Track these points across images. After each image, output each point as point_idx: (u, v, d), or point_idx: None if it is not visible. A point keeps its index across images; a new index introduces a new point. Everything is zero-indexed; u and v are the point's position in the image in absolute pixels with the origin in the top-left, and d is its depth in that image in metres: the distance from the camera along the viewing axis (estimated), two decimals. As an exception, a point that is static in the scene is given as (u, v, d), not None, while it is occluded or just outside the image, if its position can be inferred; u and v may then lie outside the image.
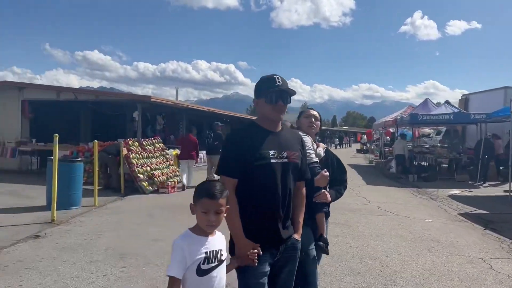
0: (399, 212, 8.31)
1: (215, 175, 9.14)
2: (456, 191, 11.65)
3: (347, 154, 33.08)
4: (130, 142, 10.29)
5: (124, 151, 9.90)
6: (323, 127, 67.98)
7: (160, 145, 11.81)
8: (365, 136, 45.99)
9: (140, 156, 10.35)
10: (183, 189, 10.65)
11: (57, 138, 6.89)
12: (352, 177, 15.23)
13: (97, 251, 5.05)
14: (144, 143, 11.00)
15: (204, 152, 12.41)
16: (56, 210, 6.83)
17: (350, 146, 50.28)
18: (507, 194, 10.19)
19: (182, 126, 16.34)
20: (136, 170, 9.76)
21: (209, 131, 11.72)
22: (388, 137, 27.81)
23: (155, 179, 10.22)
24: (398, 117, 17.15)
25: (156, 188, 10.03)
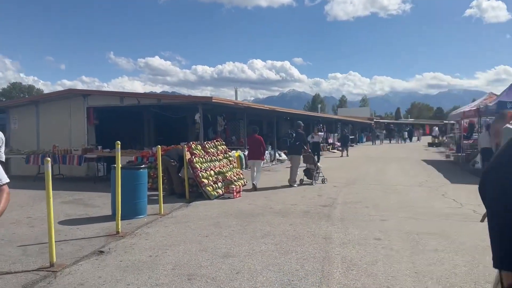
0: (501, 217, 7.05)
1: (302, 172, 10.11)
2: None
3: (417, 149, 30.89)
4: (193, 146, 9.90)
5: (188, 155, 9.51)
6: (386, 120, 64.90)
7: (223, 147, 11.35)
8: (437, 128, 42.95)
9: (204, 159, 9.92)
10: (255, 189, 10.35)
11: (119, 145, 6.56)
12: (432, 175, 13.81)
13: (164, 271, 4.54)
14: (207, 146, 10.57)
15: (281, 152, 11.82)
16: (121, 220, 6.51)
17: (419, 140, 47.21)
18: None
19: (243, 126, 15.86)
20: (200, 174, 9.33)
21: (290, 130, 11.58)
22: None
23: (219, 183, 9.74)
24: (482, 106, 15.32)
25: (221, 193, 9.53)
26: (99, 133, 14.30)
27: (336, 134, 31.74)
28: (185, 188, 9.40)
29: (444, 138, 38.27)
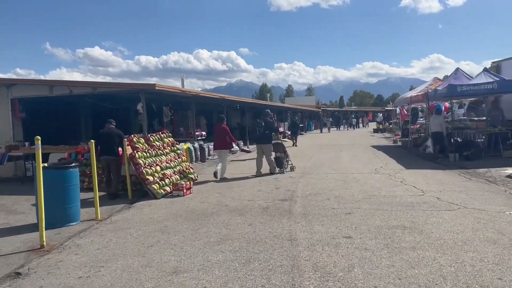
0: (466, 204, 6.75)
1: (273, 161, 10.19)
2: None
3: (364, 135, 31.40)
4: (135, 139, 8.79)
5: (128, 149, 8.42)
6: (332, 108, 66.22)
7: (169, 140, 10.32)
8: (380, 115, 44.18)
9: (148, 154, 8.86)
10: (216, 178, 10.29)
11: (39, 141, 5.43)
12: (385, 160, 13.65)
13: (96, 299, 3.59)
14: (151, 138, 9.49)
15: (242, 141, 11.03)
16: (47, 230, 5.43)
17: (366, 126, 48.36)
18: None
19: (192, 117, 14.82)
20: (144, 171, 8.28)
21: (259, 119, 11.47)
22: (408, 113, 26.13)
23: (167, 179, 8.75)
24: (430, 91, 15.42)
25: (169, 191, 8.55)
26: (29, 128, 12.64)
27: (286, 123, 31.25)
28: (126, 188, 8.33)
29: (387, 124, 39.43)
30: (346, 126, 44.00)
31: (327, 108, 53.79)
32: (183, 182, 8.69)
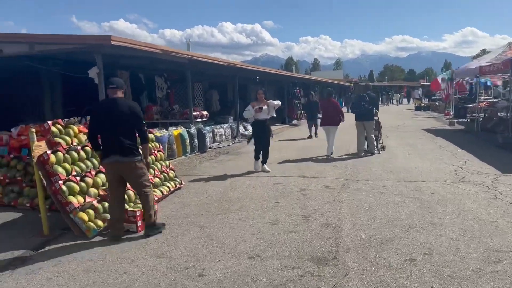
0: None
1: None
2: None
3: (405, 114, 26.91)
4: (53, 129, 5.03)
5: (39, 148, 4.71)
6: (363, 83, 61.02)
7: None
8: (419, 90, 39.19)
9: (78, 155, 5.14)
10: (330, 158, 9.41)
11: None
12: (458, 155, 9.54)
13: None
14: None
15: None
16: None
17: (401, 103, 43.45)
18: None
19: (189, 89, 10.97)
20: (62, 188, 4.58)
21: (363, 93, 10.32)
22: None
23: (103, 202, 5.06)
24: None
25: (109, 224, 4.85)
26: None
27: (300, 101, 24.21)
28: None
29: (427, 100, 34.62)
30: (386, 102, 39.32)
31: (359, 83, 48.88)
32: (135, 209, 4.89)
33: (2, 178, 5.87)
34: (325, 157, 9.76)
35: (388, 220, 4.92)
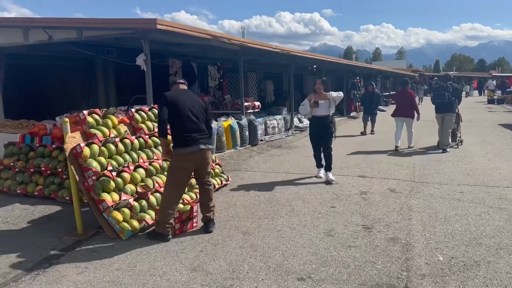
0: None
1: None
2: None
3: (477, 107, 24.62)
4: (89, 119, 4.69)
5: (71, 139, 4.36)
6: (429, 73, 57.51)
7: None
8: (493, 81, 35.89)
9: (113, 148, 4.75)
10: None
11: None
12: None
13: None
14: (137, 116, 5.39)
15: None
16: None
17: (470, 95, 40.20)
18: None
19: (241, 79, 10.40)
20: (96, 184, 4.21)
21: (444, 83, 9.55)
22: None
23: (150, 199, 4.63)
24: None
25: (147, 224, 4.42)
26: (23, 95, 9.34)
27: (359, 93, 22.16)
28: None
29: (500, 92, 31.52)
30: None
31: (425, 73, 45.95)
32: (194, 208, 4.42)
33: (44, 168, 5.66)
34: (392, 151, 9.11)
35: (471, 237, 4.03)
